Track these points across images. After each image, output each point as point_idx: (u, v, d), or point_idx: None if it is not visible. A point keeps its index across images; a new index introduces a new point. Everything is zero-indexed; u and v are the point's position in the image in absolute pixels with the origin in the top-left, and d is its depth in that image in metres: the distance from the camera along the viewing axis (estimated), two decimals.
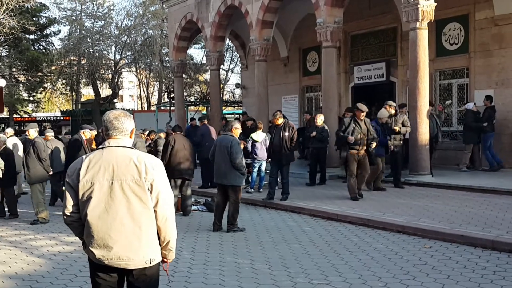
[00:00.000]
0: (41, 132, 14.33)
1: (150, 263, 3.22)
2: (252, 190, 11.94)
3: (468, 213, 8.54)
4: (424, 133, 11.77)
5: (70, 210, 3.23)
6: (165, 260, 3.37)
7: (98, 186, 3.15)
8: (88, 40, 33.67)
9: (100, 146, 3.32)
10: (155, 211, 3.20)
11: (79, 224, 3.25)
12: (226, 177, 8.36)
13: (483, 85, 14.01)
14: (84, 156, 3.28)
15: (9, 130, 13.61)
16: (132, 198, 3.15)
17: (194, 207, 10.46)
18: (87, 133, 11.03)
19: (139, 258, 3.17)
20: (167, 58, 33.24)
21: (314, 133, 12.42)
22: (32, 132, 9.86)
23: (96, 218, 3.13)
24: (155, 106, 37.12)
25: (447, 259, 6.31)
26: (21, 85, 34.96)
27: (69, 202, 3.22)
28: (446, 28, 14.86)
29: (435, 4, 11.69)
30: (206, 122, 14.04)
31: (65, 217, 3.27)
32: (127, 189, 3.15)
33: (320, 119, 12.52)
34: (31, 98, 37.19)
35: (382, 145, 10.97)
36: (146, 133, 14.31)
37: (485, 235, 7.02)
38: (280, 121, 10.57)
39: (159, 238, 3.27)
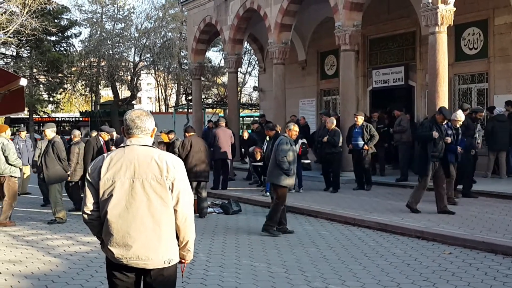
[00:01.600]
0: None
1: (169, 263, 3.20)
2: (268, 193, 11.87)
3: (488, 219, 8.41)
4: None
5: (90, 208, 3.22)
6: (183, 260, 3.35)
7: (119, 184, 3.14)
8: (108, 42, 33.99)
9: (122, 145, 3.31)
10: (175, 210, 3.18)
11: (98, 223, 3.24)
12: (270, 174, 8.30)
13: (502, 90, 13.81)
14: (105, 154, 3.28)
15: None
16: (153, 196, 3.14)
17: (210, 210, 10.45)
18: (104, 135, 11.07)
19: (158, 258, 3.15)
20: (185, 61, 33.40)
21: (325, 138, 11.94)
22: (49, 132, 9.92)
23: (117, 216, 3.12)
24: (173, 108, 37.30)
25: (468, 266, 6.20)
26: (41, 85, 35.36)
27: (89, 200, 3.22)
28: (465, 33, 14.69)
29: (455, 8, 11.55)
30: (222, 124, 14.12)
31: (85, 215, 3.25)
32: (148, 188, 3.14)
33: (331, 122, 12.07)
34: (51, 99, 37.57)
35: (453, 152, 9.52)
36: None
37: (506, 241, 6.89)
38: (272, 133, 10.37)
39: (177, 238, 3.26)
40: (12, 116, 29.62)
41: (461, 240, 7.22)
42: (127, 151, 3.23)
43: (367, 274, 5.99)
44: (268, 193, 11.84)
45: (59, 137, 10.59)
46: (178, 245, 3.27)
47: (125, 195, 3.14)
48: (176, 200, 3.18)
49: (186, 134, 10.53)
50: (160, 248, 3.15)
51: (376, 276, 5.87)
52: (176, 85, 41.56)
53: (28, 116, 35.58)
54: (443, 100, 11.69)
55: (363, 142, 12.03)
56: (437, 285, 5.51)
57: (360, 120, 12.21)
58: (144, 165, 3.17)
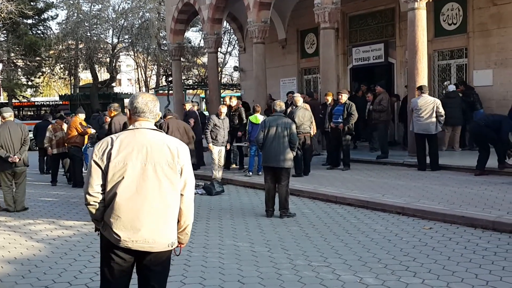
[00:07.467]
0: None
1: (171, 246, 3.25)
2: (251, 173, 11.92)
3: (468, 194, 8.53)
4: None
5: (95, 190, 3.15)
6: (181, 244, 3.41)
7: (130, 166, 3.13)
8: (86, 24, 33.41)
9: (131, 127, 3.29)
10: (181, 194, 3.25)
11: (101, 205, 3.18)
12: (282, 159, 7.94)
13: (482, 65, 13.93)
14: (113, 137, 3.24)
15: None
16: (164, 180, 3.17)
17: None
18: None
19: (163, 241, 3.19)
20: (164, 42, 33.00)
21: None
22: None
23: (127, 199, 3.10)
24: (153, 90, 36.99)
25: (447, 240, 6.31)
26: (19, 70, 34.79)
27: (96, 182, 3.16)
28: (444, 8, 14.73)
29: None
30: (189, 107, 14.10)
31: (89, 197, 3.17)
32: (160, 172, 3.17)
33: (297, 101, 11.63)
34: (29, 83, 37.04)
35: None
36: None
37: (485, 215, 7.00)
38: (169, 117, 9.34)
39: (178, 221, 3.31)
40: None
41: (441, 215, 7.33)
42: (137, 134, 3.23)
43: (349, 250, 6.06)
44: (251, 173, 11.89)
45: None
46: (178, 229, 3.33)
47: (136, 178, 3.14)
48: (183, 184, 3.25)
49: (164, 119, 10.26)
50: (166, 231, 3.19)
51: (357, 253, 5.95)
52: (155, 66, 41.13)
53: (7, 101, 35.03)
54: (422, 77, 11.77)
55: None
56: (417, 259, 5.60)
57: (344, 98, 11.82)
58: (156, 149, 3.19)
